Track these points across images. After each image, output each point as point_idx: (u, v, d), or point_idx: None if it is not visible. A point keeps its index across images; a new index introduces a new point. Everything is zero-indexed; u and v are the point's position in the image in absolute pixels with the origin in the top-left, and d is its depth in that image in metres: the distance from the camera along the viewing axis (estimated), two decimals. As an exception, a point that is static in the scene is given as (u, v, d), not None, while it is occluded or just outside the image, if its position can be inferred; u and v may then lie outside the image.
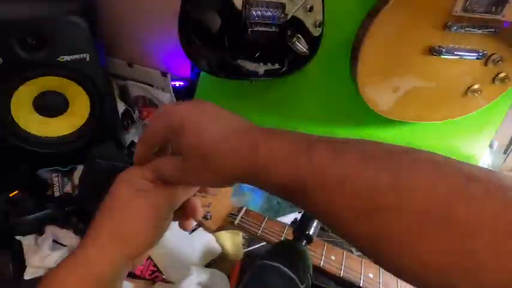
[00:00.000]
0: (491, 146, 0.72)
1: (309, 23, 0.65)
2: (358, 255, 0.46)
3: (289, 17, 0.62)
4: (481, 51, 0.53)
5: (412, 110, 0.65)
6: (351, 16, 0.61)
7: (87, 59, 0.64)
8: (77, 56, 0.62)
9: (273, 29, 0.63)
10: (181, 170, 0.27)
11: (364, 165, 0.20)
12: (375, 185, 0.19)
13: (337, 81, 0.74)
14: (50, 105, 0.67)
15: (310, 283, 0.31)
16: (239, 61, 0.69)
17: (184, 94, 0.90)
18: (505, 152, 0.72)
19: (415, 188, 0.18)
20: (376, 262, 0.21)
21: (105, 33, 0.90)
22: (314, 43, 0.69)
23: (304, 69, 0.72)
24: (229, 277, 0.53)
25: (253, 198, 0.68)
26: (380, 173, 0.19)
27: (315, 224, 0.35)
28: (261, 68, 0.71)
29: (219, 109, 0.28)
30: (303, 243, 0.33)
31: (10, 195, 0.57)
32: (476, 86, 0.58)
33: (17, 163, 0.65)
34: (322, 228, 0.56)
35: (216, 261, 0.56)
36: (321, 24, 0.66)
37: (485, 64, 0.55)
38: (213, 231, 0.46)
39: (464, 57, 0.54)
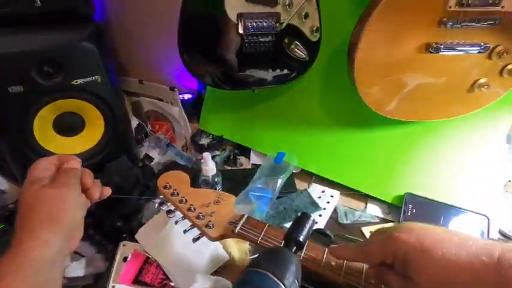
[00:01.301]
0: (508, 141, 0.68)
1: (305, 29, 0.66)
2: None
3: (284, 25, 0.63)
4: (482, 44, 0.51)
5: (417, 110, 0.63)
6: (348, 19, 0.61)
7: (98, 80, 0.68)
8: (88, 79, 0.67)
9: (269, 38, 0.65)
10: None
11: None
12: None
13: (338, 84, 0.73)
14: (68, 125, 0.72)
15: None
16: (247, 71, 0.71)
17: (193, 106, 0.94)
18: (523, 147, 0.68)
19: None
20: None
21: (117, 55, 0.96)
22: (313, 48, 0.69)
23: (306, 75, 0.72)
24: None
25: (259, 206, 0.69)
26: None
27: (305, 230, 0.35)
28: (269, 75, 0.72)
29: (438, 240, 0.28)
30: (293, 249, 0.34)
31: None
32: (482, 80, 0.56)
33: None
34: (324, 234, 0.56)
35: (223, 269, 0.58)
36: (318, 30, 0.67)
37: (490, 57, 0.53)
38: (214, 240, 0.47)
39: (466, 52, 0.52)
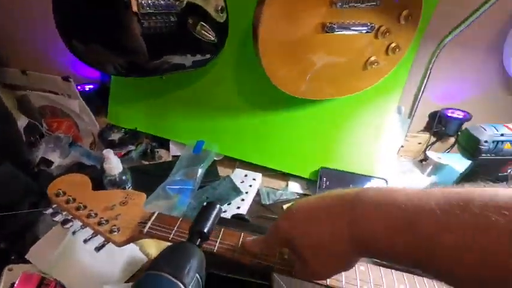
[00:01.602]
0: (399, 111, 0.78)
1: (209, 8, 0.62)
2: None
3: (184, 3, 0.59)
4: (369, 24, 0.56)
5: (324, 88, 0.67)
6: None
7: (-47, 72, 0.54)
8: None
9: (171, 18, 0.59)
10: (304, 268, 0.31)
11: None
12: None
13: (250, 67, 0.72)
14: None
15: (202, 282, 0.30)
16: (155, 58, 0.64)
17: (97, 98, 0.83)
18: (409, 117, 0.79)
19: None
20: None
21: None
22: (221, 29, 0.66)
23: (218, 59, 0.69)
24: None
25: (181, 198, 0.65)
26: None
27: (209, 220, 0.34)
28: (181, 61, 0.67)
29: (308, 208, 0.30)
30: (197, 242, 0.32)
31: None
32: (373, 58, 0.61)
33: None
34: (242, 219, 0.56)
35: (142, 272, 0.53)
36: (224, 9, 0.64)
37: (376, 37, 0.58)
38: (121, 245, 0.43)
39: (356, 31, 0.56)
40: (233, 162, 0.79)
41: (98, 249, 0.44)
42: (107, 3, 0.54)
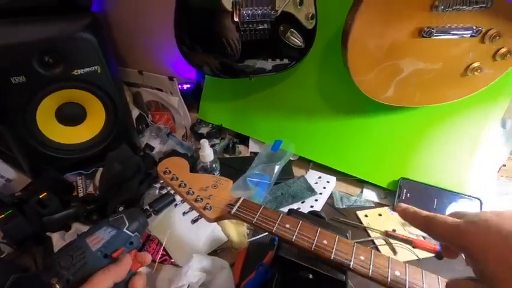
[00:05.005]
0: (503, 125, 0.68)
1: (301, 16, 0.66)
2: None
3: (279, 12, 0.64)
4: (475, 28, 0.51)
5: (412, 95, 0.64)
6: (344, 6, 0.61)
7: (98, 70, 0.70)
8: (88, 69, 0.68)
9: (265, 26, 0.65)
10: None
11: None
12: None
13: (335, 71, 0.74)
14: (70, 115, 0.74)
15: None
16: (245, 60, 0.72)
17: (192, 96, 0.95)
18: (517, 131, 0.68)
19: None
20: None
21: (116, 46, 0.97)
22: (309, 36, 0.70)
23: (303, 63, 0.73)
24: (233, 264, 0.56)
25: (258, 191, 0.70)
26: None
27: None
28: (266, 63, 0.73)
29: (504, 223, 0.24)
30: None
31: (40, 197, 0.64)
32: (475, 65, 0.56)
33: (45, 168, 0.73)
34: (319, 216, 0.57)
35: (222, 250, 0.60)
36: (314, 17, 0.67)
37: (482, 41, 0.53)
38: (212, 221, 0.49)
39: (458, 36, 0.52)
40: (307, 163, 0.82)
41: (194, 221, 0.51)
42: (214, 15, 0.63)
